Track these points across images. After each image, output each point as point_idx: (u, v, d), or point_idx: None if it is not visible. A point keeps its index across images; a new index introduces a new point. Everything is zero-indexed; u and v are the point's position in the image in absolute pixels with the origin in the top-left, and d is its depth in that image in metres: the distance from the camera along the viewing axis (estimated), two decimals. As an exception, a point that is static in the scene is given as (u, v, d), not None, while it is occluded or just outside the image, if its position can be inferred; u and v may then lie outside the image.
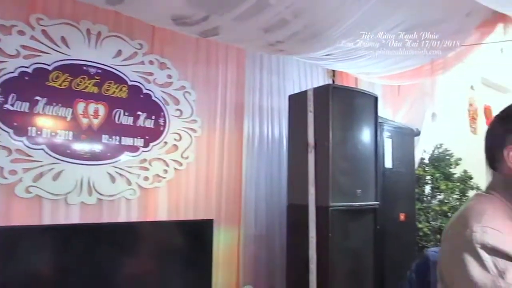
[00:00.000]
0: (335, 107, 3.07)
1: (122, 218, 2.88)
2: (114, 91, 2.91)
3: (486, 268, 1.00)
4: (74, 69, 2.76)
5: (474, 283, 1.01)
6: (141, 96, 3.05)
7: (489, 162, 1.25)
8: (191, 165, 3.27)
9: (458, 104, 5.30)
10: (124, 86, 2.96)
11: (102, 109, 2.86)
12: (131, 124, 2.98)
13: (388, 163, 3.63)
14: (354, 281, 3.17)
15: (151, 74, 3.10)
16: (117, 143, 2.91)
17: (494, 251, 1.01)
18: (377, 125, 3.36)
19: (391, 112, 4.46)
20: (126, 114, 2.96)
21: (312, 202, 3.05)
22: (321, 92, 3.13)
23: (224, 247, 3.37)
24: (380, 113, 3.54)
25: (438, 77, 4.20)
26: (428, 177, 4.23)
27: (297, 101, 3.32)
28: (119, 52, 2.95)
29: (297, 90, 3.75)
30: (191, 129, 3.28)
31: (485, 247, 1.02)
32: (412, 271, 2.90)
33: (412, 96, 4.38)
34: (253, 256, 3.51)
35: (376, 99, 3.38)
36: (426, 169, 4.24)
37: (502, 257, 1.00)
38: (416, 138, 4.07)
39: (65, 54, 2.73)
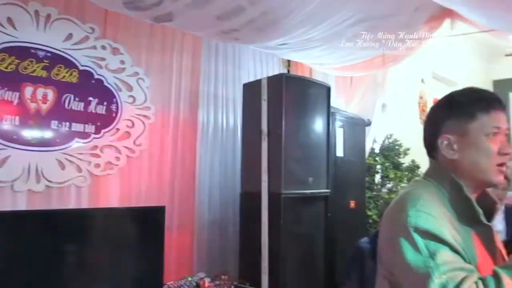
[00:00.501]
0: (288, 96, 3.11)
1: (72, 206, 2.82)
2: (64, 76, 2.84)
3: (418, 250, 1.06)
4: (21, 52, 2.66)
5: (408, 264, 1.07)
6: (93, 81, 2.98)
7: (427, 150, 1.32)
8: (144, 152, 3.23)
9: (409, 97, 5.48)
10: (74, 71, 2.88)
11: (51, 94, 2.78)
12: (82, 110, 2.91)
13: (340, 152, 3.72)
14: (305, 266, 3.25)
15: (103, 59, 3.03)
16: (67, 129, 2.84)
17: (427, 234, 1.07)
18: (329, 115, 3.43)
19: (343, 102, 4.56)
20: (77, 99, 2.89)
21: (265, 190, 3.09)
22: (275, 81, 3.17)
23: (178, 234, 3.37)
24: (333, 103, 3.61)
25: (389, 69, 4.33)
26: (378, 166, 4.38)
27: (251, 90, 3.35)
28: (69, 36, 2.87)
29: (252, 79, 3.77)
30: (145, 116, 3.24)
31: (418, 230, 1.08)
32: (349, 262, 3.00)
33: (364, 87, 4.49)
34: (206, 243, 3.52)
35: (328, 89, 3.45)
36: (376, 158, 4.38)
37: (433, 239, 1.06)
38: (367, 128, 4.19)
39: (12, 36, 2.62)
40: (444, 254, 1.05)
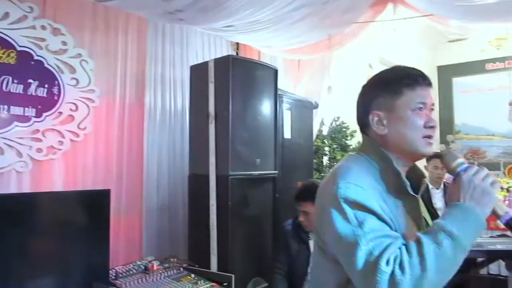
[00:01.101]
0: (235, 78, 3.11)
1: (12, 191, 2.74)
2: (1, 57, 2.72)
3: (348, 220, 1.12)
4: (-47, 31, 2.54)
5: (338, 234, 1.12)
6: (32, 63, 2.87)
7: (360, 127, 1.39)
8: (89, 136, 3.16)
9: (357, 81, 5.60)
10: (12, 52, 2.77)
11: (-14, 76, 2.67)
12: (21, 92, 2.80)
13: (287, 134, 3.76)
14: (254, 247, 3.29)
15: (43, 40, 2.92)
16: (6, 112, 2.74)
17: (355, 205, 1.13)
18: (276, 97, 3.47)
19: (292, 85, 4.61)
20: (15, 81, 2.78)
21: (213, 171, 3.10)
22: (222, 63, 3.16)
23: (126, 218, 3.34)
24: (281, 86, 3.64)
25: (336, 53, 4.42)
26: (326, 149, 4.47)
27: (198, 72, 3.33)
28: (6, 15, 2.74)
29: (201, 62, 3.74)
30: (89, 99, 3.16)
31: (348, 201, 1.13)
32: (276, 245, 3.08)
33: (312, 70, 4.56)
34: (156, 226, 3.51)
35: (276, 71, 3.47)
36: (324, 140, 4.47)
37: (361, 209, 1.12)
38: (315, 110, 4.26)
39: None
40: (371, 223, 1.11)
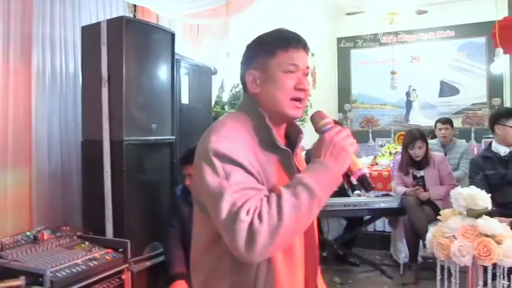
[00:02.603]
0: (129, 40, 3.02)
1: None
2: None
3: (216, 172, 1.17)
4: None
5: (207, 186, 1.17)
6: None
7: (242, 86, 1.45)
8: (-34, 101, 2.92)
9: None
10: None
11: None
12: None
13: (185, 99, 3.73)
14: (151, 212, 3.28)
15: None
16: None
17: (224, 158, 1.18)
18: (174, 62, 3.42)
19: (191, 50, 4.55)
20: None
21: (107, 137, 3.02)
22: (115, 25, 3.04)
23: (14, 188, 3.15)
24: (180, 51, 3.59)
25: (236, 19, 4.42)
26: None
27: (90, 33, 3.17)
28: None
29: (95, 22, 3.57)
30: (-35, 60, 2.91)
31: (217, 155, 1.18)
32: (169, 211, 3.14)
33: (211, 36, 4.54)
34: (47, 195, 3.35)
35: (173, 35, 3.42)
36: (224, 107, 4.52)
37: (229, 162, 1.17)
38: (213, 76, 4.26)
39: None
40: (238, 176, 1.16)
